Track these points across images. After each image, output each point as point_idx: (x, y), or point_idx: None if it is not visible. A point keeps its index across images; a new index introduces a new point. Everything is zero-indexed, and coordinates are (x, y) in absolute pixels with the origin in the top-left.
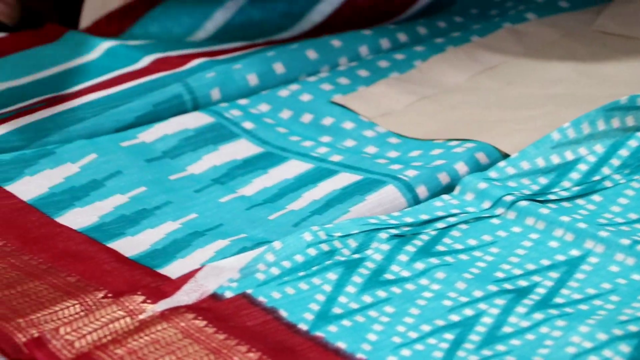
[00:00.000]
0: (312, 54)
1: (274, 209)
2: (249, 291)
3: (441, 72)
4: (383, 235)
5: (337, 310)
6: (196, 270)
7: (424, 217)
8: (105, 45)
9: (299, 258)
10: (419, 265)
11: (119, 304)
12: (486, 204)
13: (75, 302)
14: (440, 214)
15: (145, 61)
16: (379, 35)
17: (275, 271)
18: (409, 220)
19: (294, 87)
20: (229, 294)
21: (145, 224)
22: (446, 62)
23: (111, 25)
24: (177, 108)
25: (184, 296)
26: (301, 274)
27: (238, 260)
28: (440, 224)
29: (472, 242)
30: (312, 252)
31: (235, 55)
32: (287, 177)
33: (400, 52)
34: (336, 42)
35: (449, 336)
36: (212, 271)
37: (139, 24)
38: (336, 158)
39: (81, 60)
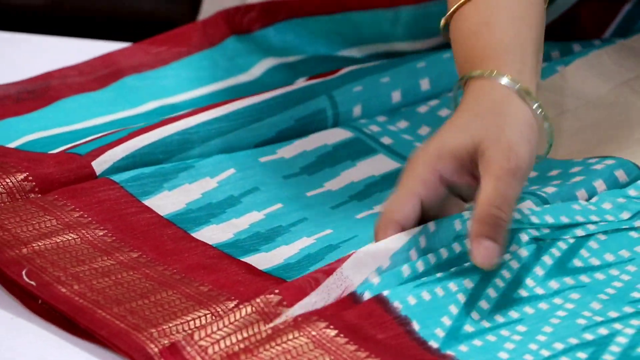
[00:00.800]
0: None
1: None
2: (386, 293)
3: (583, 80)
4: (524, 236)
5: (468, 328)
6: (344, 259)
7: (564, 219)
8: (266, 63)
9: (444, 253)
10: (554, 285)
11: (253, 305)
12: (625, 215)
13: (207, 311)
14: (579, 218)
15: (299, 83)
16: None
17: (420, 266)
18: (550, 220)
19: (433, 102)
20: (367, 295)
21: (279, 241)
22: (589, 69)
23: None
24: (319, 123)
25: (324, 294)
26: (439, 275)
27: (392, 243)
28: (579, 231)
29: (609, 257)
30: (456, 247)
31: (383, 62)
32: None
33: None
34: None
35: (583, 355)
36: (359, 262)
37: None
38: None
39: (241, 79)
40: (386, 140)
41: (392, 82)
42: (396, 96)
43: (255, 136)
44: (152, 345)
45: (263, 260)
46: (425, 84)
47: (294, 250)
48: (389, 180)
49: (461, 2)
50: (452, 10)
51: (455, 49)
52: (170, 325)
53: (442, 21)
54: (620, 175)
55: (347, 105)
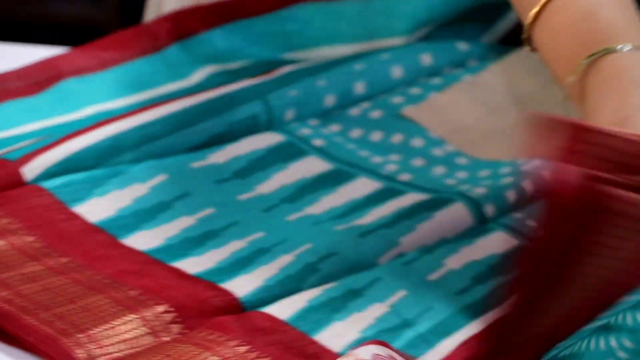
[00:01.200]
0: (398, 71)
1: (340, 223)
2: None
3: (513, 77)
4: None
5: None
6: None
7: None
8: (208, 69)
9: None
10: None
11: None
12: None
13: (136, 316)
14: None
15: (232, 87)
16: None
17: None
18: None
19: (365, 104)
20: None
21: (210, 245)
22: (519, 64)
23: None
24: (252, 127)
25: None
26: None
27: None
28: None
29: None
30: None
31: (322, 63)
32: (356, 196)
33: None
34: (426, 57)
35: None
36: None
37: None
38: (405, 177)
39: (181, 85)
40: (318, 142)
41: (327, 86)
42: (329, 100)
43: (187, 141)
44: (80, 351)
45: (193, 264)
46: (359, 87)
47: (225, 253)
48: (320, 182)
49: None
50: (537, 9)
51: (558, 41)
52: (98, 330)
53: (529, 18)
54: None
55: (281, 109)
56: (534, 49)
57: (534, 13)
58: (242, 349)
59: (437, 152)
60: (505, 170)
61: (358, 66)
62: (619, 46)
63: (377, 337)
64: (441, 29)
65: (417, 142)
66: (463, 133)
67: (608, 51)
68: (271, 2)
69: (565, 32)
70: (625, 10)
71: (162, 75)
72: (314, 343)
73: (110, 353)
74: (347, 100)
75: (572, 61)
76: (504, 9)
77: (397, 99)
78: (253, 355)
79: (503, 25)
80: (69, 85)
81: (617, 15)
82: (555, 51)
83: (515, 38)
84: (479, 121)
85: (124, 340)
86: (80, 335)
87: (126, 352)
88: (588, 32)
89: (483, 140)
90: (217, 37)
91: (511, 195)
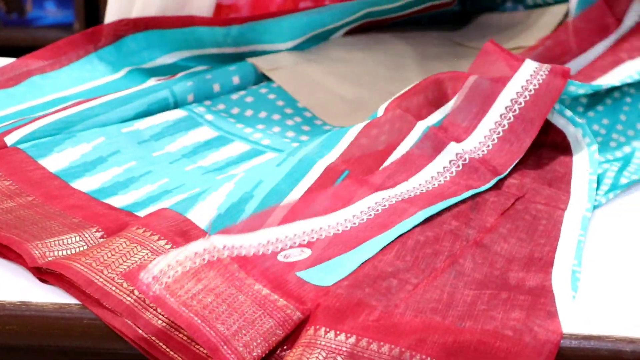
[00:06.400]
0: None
1: (221, 173)
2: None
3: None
4: None
5: None
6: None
7: None
8: (128, 68)
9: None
10: None
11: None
12: None
13: (77, 234)
14: None
15: (151, 81)
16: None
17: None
18: None
19: (241, 92)
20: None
21: (132, 187)
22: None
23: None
24: (164, 107)
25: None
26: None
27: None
28: None
29: None
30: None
31: (208, 67)
32: (232, 154)
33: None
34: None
35: None
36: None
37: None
38: (266, 142)
39: (112, 78)
40: (209, 117)
41: (213, 79)
42: (216, 88)
43: (120, 117)
44: (36, 251)
45: (120, 200)
46: (236, 80)
47: (141, 193)
48: (209, 143)
49: None
50: None
51: None
52: (50, 240)
53: None
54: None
55: (183, 95)
56: None
57: None
58: (148, 233)
59: (289, 122)
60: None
61: (232, 68)
62: None
63: (228, 210)
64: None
65: (277, 117)
66: (326, 103)
67: None
68: (178, 21)
69: None
70: None
71: (100, 70)
72: (187, 220)
73: (57, 255)
74: (229, 89)
75: None
76: None
77: (263, 90)
78: (156, 237)
79: None
80: (35, 79)
81: None
82: None
83: None
84: (345, 92)
85: (68, 248)
86: (37, 242)
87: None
88: None
89: (345, 110)
90: (137, 42)
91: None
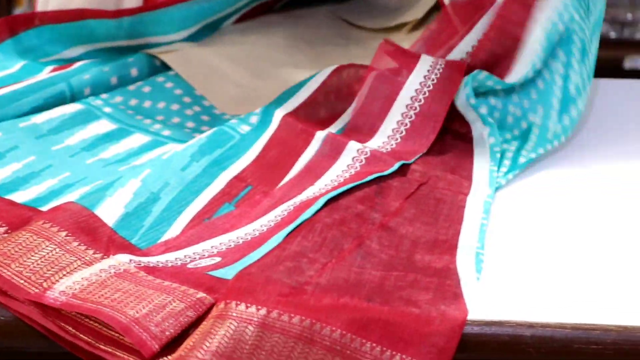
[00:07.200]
0: (158, 61)
1: (122, 165)
2: None
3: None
4: None
5: None
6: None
7: None
8: (24, 61)
9: None
10: None
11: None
12: None
13: None
14: None
15: (47, 71)
16: None
17: None
18: None
19: (139, 83)
20: None
21: (33, 182)
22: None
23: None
24: (61, 101)
25: None
26: None
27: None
28: None
29: None
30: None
31: (105, 58)
32: (133, 146)
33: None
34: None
35: None
36: None
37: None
38: (166, 133)
39: (8, 72)
40: (107, 109)
41: (110, 71)
42: (114, 80)
43: (16, 112)
44: None
45: (22, 196)
46: (134, 72)
47: (43, 188)
48: (109, 136)
49: None
50: None
51: None
52: None
53: None
54: None
55: (80, 87)
56: None
57: None
58: (55, 228)
59: (189, 112)
60: (233, 121)
61: (130, 59)
62: None
63: (135, 210)
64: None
65: (176, 107)
66: (221, 90)
67: None
68: (71, 14)
69: None
70: None
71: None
72: (94, 216)
73: None
74: (126, 80)
75: None
76: None
77: (160, 79)
78: (63, 233)
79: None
80: None
81: None
82: None
83: None
84: (240, 78)
85: None
86: None
87: None
88: None
89: (239, 97)
90: (39, 37)
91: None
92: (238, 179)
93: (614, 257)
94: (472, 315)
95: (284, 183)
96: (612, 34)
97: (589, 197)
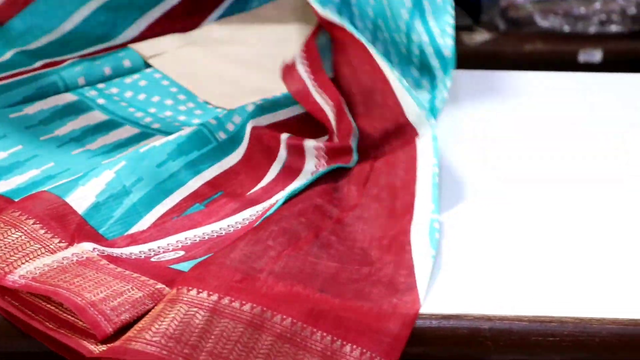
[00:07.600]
0: None
1: (107, 157)
2: None
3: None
4: None
5: None
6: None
7: None
8: (11, 52)
9: None
10: None
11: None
12: None
13: None
14: None
15: (39, 64)
16: None
17: None
18: None
19: (135, 76)
20: None
21: (16, 172)
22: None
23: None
24: (53, 91)
25: None
26: None
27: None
28: None
29: None
30: None
31: (97, 56)
32: (121, 137)
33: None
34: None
35: None
36: None
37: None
38: (156, 125)
39: None
40: (101, 101)
41: (103, 64)
42: (107, 71)
43: (7, 102)
44: None
45: (3, 186)
46: (127, 63)
47: (25, 178)
48: (100, 128)
49: None
50: None
51: None
52: None
53: None
54: None
55: (72, 79)
56: None
57: None
58: (23, 216)
59: (182, 108)
60: (212, 122)
61: (120, 54)
62: None
63: (106, 200)
64: None
65: (169, 102)
66: (211, 87)
67: None
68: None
69: None
70: None
71: None
72: (65, 204)
73: None
74: (122, 72)
75: None
76: None
77: (157, 75)
78: (31, 221)
79: None
80: None
81: None
82: None
83: None
84: (233, 77)
85: None
86: None
87: None
88: None
89: (231, 91)
90: (18, 24)
91: None
92: (210, 184)
93: (570, 249)
94: (430, 309)
95: (256, 189)
96: (566, 28)
97: (545, 190)
